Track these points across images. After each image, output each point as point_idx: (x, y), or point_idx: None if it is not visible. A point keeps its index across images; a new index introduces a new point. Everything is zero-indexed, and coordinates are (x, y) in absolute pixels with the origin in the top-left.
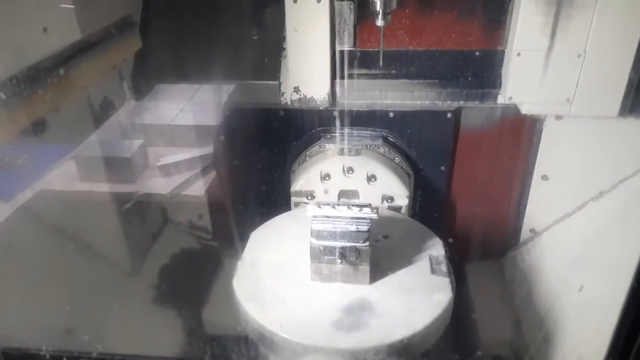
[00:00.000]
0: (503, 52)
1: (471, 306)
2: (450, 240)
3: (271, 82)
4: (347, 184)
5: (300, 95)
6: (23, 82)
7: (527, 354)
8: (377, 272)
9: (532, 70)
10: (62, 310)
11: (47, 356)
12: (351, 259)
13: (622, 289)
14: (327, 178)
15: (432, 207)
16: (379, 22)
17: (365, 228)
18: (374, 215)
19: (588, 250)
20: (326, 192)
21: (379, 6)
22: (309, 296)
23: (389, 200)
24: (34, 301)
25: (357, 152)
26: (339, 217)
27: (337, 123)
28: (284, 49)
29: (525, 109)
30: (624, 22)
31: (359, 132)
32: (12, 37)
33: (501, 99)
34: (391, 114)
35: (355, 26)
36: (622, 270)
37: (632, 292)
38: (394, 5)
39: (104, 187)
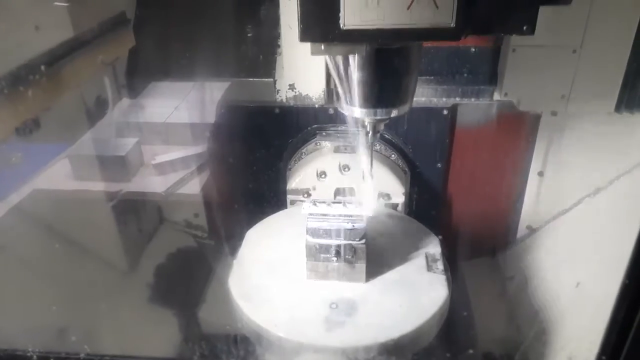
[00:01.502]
0: (499, 48)
1: (468, 304)
2: (447, 237)
3: (266, 79)
4: (343, 182)
5: (295, 92)
6: (15, 80)
7: (521, 350)
8: (373, 270)
9: (528, 67)
10: (56, 310)
11: (34, 357)
12: (347, 257)
13: (615, 285)
14: (323, 176)
15: (428, 204)
16: (370, 139)
17: (361, 226)
18: (370, 213)
19: (584, 247)
20: (322, 189)
21: (369, 128)
22: (304, 294)
23: (385, 198)
24: (28, 301)
25: (353, 150)
26: (335, 215)
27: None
28: (279, 46)
29: (521, 106)
30: (620, 17)
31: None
32: (3, 36)
33: (497, 96)
34: None
35: None
36: (617, 267)
37: (624, 289)
38: (382, 126)
39: (98, 186)
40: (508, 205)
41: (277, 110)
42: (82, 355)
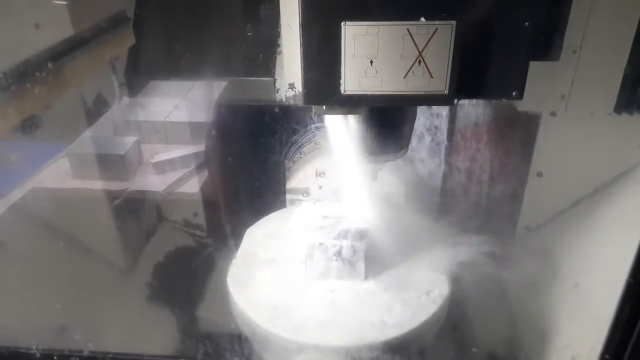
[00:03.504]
0: None
1: (467, 303)
2: (446, 236)
3: (266, 78)
4: (342, 182)
5: (295, 92)
6: (15, 78)
7: (522, 351)
8: (373, 268)
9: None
10: (54, 308)
11: (38, 355)
12: (347, 255)
13: (617, 286)
14: (322, 175)
15: (427, 203)
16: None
17: (360, 225)
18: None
19: (583, 247)
20: (321, 188)
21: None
22: (303, 293)
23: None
24: (26, 299)
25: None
26: (334, 214)
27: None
28: (279, 45)
29: (520, 106)
30: (619, 17)
31: None
32: (2, 33)
33: None
34: None
35: None
36: (618, 267)
37: (627, 288)
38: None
39: (97, 185)
40: (507, 205)
41: (276, 110)
42: (85, 353)
